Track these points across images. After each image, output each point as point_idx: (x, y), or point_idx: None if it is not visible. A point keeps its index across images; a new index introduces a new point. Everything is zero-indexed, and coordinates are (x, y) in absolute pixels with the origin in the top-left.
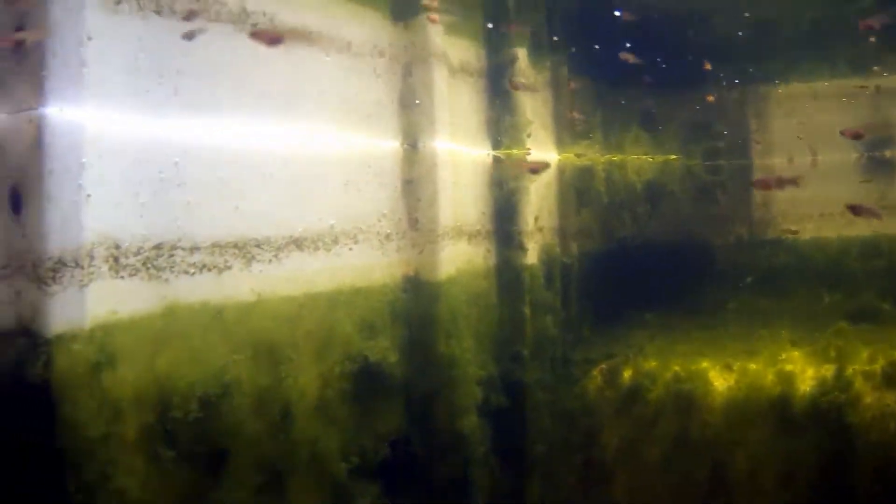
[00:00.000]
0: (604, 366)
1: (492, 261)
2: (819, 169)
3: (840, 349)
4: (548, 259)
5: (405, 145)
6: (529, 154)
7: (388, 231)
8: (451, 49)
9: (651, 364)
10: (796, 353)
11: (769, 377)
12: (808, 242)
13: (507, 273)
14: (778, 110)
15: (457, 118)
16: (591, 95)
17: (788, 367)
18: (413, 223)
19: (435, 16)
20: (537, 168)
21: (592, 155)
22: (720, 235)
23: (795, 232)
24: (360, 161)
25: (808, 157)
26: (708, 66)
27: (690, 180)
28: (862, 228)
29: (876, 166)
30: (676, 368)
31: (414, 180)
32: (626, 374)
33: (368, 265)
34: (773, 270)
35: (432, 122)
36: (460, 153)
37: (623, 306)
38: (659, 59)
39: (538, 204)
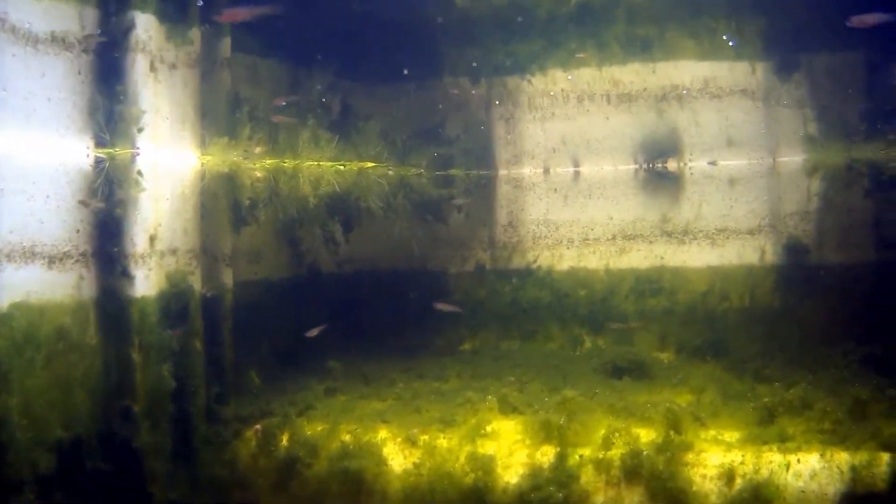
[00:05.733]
0: (258, 427)
1: (89, 291)
2: (583, 183)
3: (562, 427)
4: (175, 290)
5: None
6: (139, 154)
7: None
8: (35, 14)
9: (316, 428)
10: (509, 426)
11: (461, 460)
12: (567, 274)
13: (110, 308)
14: (530, 110)
15: (32, 105)
16: (266, 81)
17: (487, 448)
18: None
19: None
20: None
21: (253, 159)
22: (454, 263)
23: None
24: None
25: (569, 168)
26: None
27: (408, 194)
28: (637, 260)
29: (658, 181)
30: (346, 438)
31: None
32: (284, 439)
33: None
34: (520, 306)
35: None
36: (30, 151)
37: (306, 349)
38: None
39: (157, 220)
